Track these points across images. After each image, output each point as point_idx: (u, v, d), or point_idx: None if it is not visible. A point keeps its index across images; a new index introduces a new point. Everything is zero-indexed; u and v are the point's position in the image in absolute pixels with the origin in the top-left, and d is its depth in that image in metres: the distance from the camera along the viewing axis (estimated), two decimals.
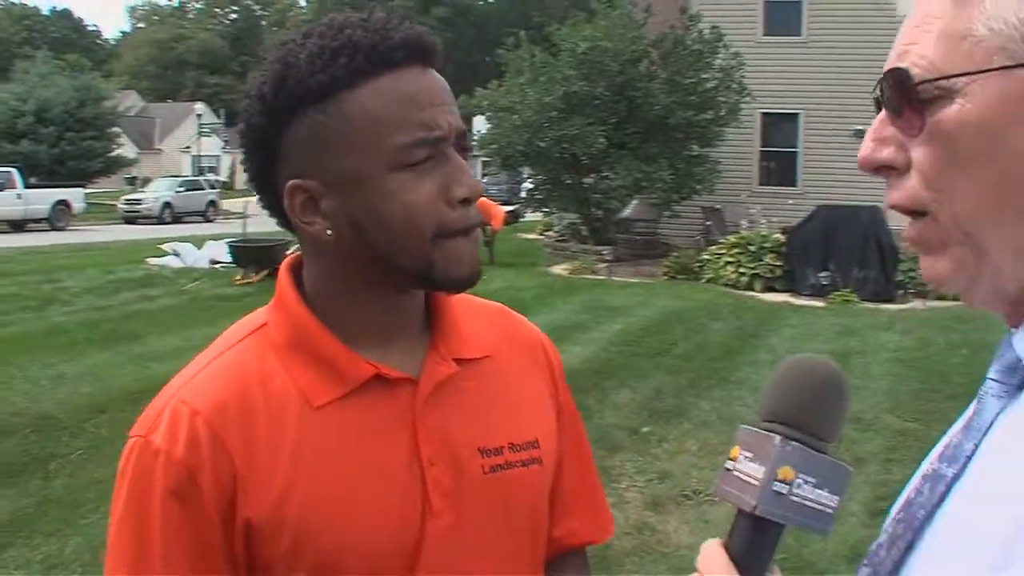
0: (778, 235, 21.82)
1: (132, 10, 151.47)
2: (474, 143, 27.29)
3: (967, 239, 1.01)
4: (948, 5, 1.00)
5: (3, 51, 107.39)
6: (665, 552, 6.87)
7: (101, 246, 32.72)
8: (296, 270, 1.67)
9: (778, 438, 1.08)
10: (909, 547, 1.06)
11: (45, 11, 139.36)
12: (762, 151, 30.71)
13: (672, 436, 9.64)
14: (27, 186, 43.34)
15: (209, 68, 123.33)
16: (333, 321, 1.59)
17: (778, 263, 21.20)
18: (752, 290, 20.81)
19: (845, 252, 20.25)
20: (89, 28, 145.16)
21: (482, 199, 1.69)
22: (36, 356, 13.75)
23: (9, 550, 7.07)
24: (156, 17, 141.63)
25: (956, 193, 1.00)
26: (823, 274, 20.30)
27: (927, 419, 9.81)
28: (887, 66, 1.05)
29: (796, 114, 30.11)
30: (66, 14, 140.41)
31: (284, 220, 1.60)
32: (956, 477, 1.05)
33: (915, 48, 1.03)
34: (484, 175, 52.97)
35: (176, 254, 25.58)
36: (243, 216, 28.26)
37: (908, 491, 1.12)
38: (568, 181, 27.17)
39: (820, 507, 1.08)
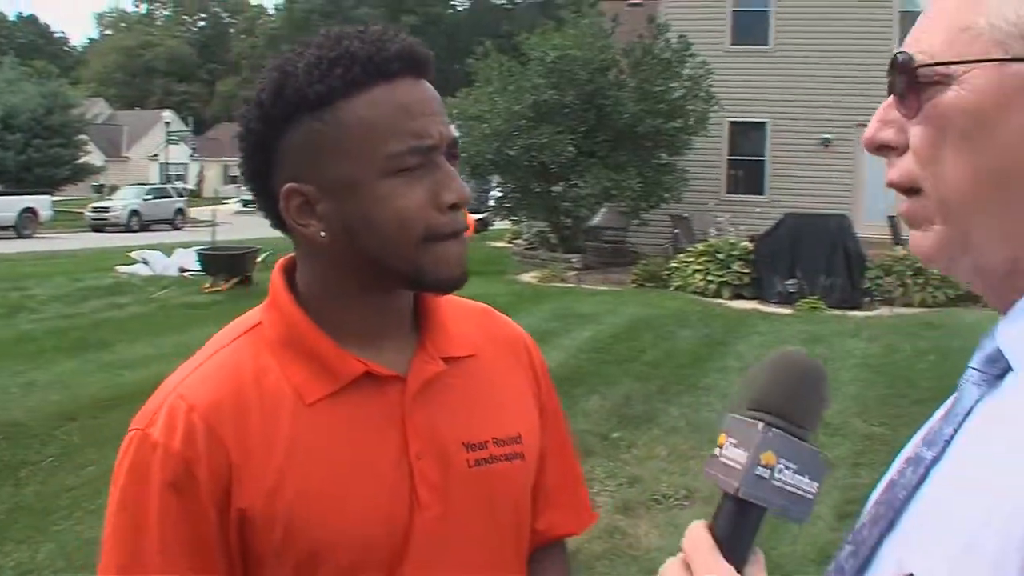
0: (746, 243, 21.87)
1: (100, 17, 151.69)
2: None
3: (952, 218, 1.08)
4: (959, 1, 1.08)
5: None
6: (636, 555, 6.93)
7: (68, 254, 32.54)
8: (289, 271, 1.73)
9: (761, 425, 1.13)
10: (890, 526, 1.12)
11: (11, 17, 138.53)
12: (730, 159, 30.80)
13: (641, 442, 9.70)
14: None
15: (177, 75, 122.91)
16: (325, 321, 1.65)
17: (746, 271, 21.25)
18: (720, 297, 20.85)
19: (812, 260, 20.34)
20: (56, 35, 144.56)
21: None
22: (5, 364, 13.68)
23: None
24: (124, 24, 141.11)
25: (945, 173, 1.07)
26: (790, 282, 20.38)
27: (894, 423, 9.90)
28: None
29: (763, 123, 30.22)
30: (33, 20, 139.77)
31: (279, 222, 1.65)
32: (935, 460, 1.10)
33: (923, 37, 1.11)
34: None
35: (145, 262, 25.51)
36: (212, 224, 28.23)
37: (891, 473, 1.18)
38: (537, 189, 27.18)
39: (800, 492, 1.13)
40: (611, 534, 7.19)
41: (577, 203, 26.48)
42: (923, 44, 1.11)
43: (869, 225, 26.44)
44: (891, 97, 1.14)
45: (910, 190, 1.13)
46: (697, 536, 1.15)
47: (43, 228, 44.44)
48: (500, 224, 32.17)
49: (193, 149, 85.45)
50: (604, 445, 9.34)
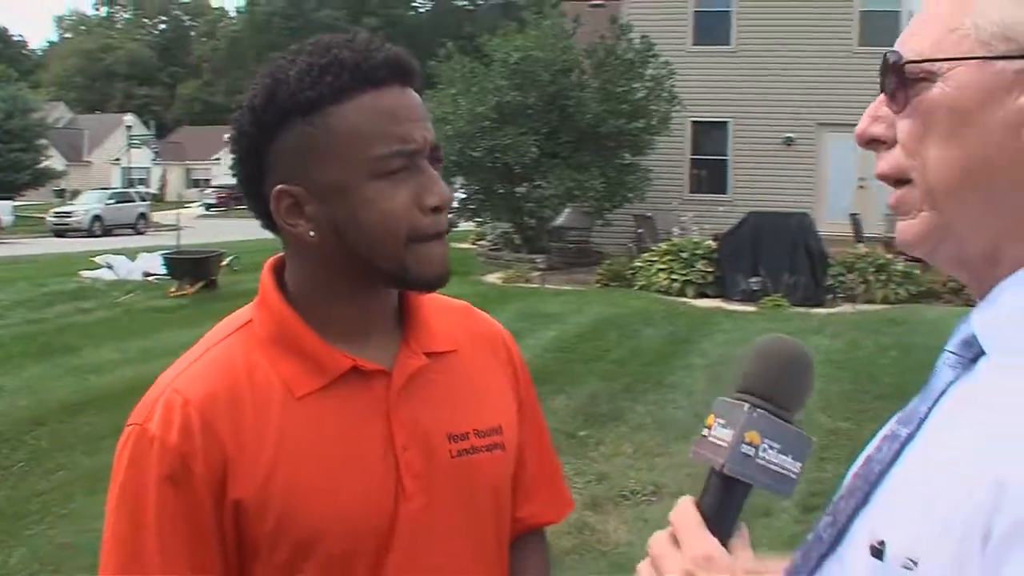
0: (709, 242, 21.89)
1: (59, 20, 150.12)
2: None
3: (936, 207, 1.16)
4: (946, 5, 1.16)
5: None
6: (604, 550, 7.02)
7: (31, 259, 32.38)
8: (278, 271, 1.80)
9: (747, 406, 1.21)
10: (865, 499, 1.19)
11: None
12: (693, 159, 30.85)
13: (608, 439, 9.80)
14: None
15: (138, 79, 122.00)
16: (313, 318, 1.72)
17: (710, 269, 21.28)
18: (684, 296, 20.88)
19: (775, 258, 20.42)
20: (15, 38, 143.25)
21: None
22: None
23: None
24: (83, 27, 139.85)
25: (930, 164, 1.15)
26: (754, 280, 20.45)
27: (858, 418, 10.01)
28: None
29: (726, 122, 30.29)
30: None
31: (269, 222, 1.73)
32: (910, 437, 1.18)
33: (914, 37, 1.19)
34: None
35: (109, 266, 25.38)
36: (176, 228, 28.15)
37: (869, 449, 1.25)
38: (501, 190, 27.17)
39: (784, 471, 1.21)
40: (580, 530, 7.26)
41: (541, 204, 26.52)
42: (913, 44, 1.18)
43: (831, 223, 26.58)
44: (881, 94, 1.22)
45: (899, 181, 1.20)
46: (685, 511, 1.22)
47: (4, 233, 44.28)
48: (464, 225, 32.12)
49: (155, 153, 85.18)
50: (572, 443, 9.41)
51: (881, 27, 27.78)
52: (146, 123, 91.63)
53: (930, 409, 1.18)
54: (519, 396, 1.98)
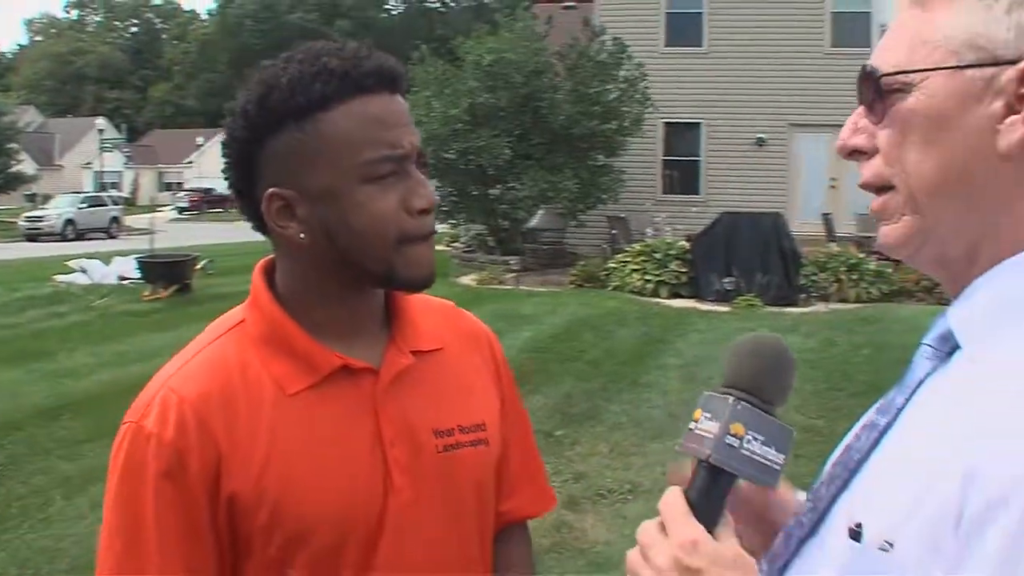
0: (683, 242, 21.92)
1: (29, 23, 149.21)
2: None
3: (918, 211, 1.23)
4: (918, 18, 1.23)
5: None
6: (583, 548, 7.08)
7: (3, 264, 32.15)
8: (269, 272, 1.85)
9: (731, 399, 1.26)
10: (844, 486, 1.26)
11: None
12: (665, 160, 30.91)
13: (585, 439, 9.86)
14: None
15: (109, 82, 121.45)
16: (303, 317, 1.78)
17: (683, 270, 21.30)
18: (658, 297, 20.91)
19: (748, 258, 20.46)
20: None
21: None
22: None
23: None
24: (54, 30, 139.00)
25: (910, 170, 1.22)
26: (727, 280, 20.49)
27: (832, 416, 10.08)
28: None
29: (698, 123, 30.37)
30: None
31: (261, 225, 1.78)
32: (888, 426, 1.25)
33: (888, 50, 1.26)
34: None
35: (83, 271, 25.33)
36: (150, 232, 28.07)
37: (849, 438, 1.32)
38: (475, 192, 27.17)
39: (767, 462, 1.26)
40: (558, 528, 7.32)
41: (514, 205, 26.56)
42: (887, 56, 1.25)
43: (803, 223, 26.71)
44: (860, 106, 1.28)
45: (881, 188, 1.26)
46: (672, 500, 1.27)
47: None
48: (438, 227, 32.07)
49: (127, 156, 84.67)
50: (548, 443, 9.46)
51: (852, 28, 28.00)
52: (118, 126, 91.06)
53: (907, 400, 1.24)
54: (502, 393, 2.04)
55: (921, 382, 1.25)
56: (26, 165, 71.57)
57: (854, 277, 20.35)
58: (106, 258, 26.92)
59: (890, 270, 19.89)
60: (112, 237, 49.65)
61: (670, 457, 8.74)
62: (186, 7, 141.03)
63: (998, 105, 1.16)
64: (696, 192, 30.28)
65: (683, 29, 30.35)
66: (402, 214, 1.71)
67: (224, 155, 1.80)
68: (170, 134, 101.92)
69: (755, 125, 29.55)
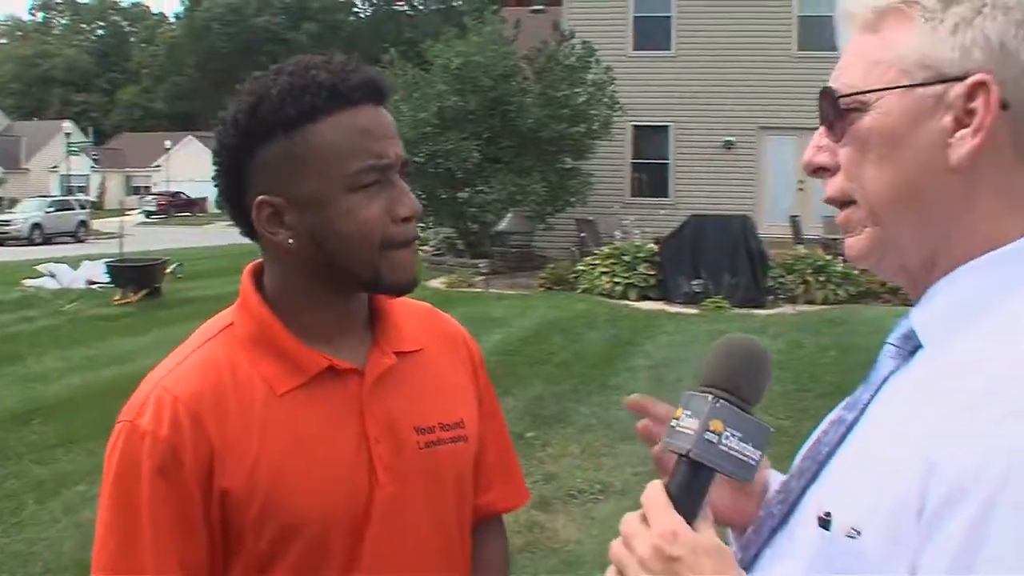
0: (651, 245, 21.97)
1: None
2: None
3: (878, 223, 1.30)
4: (870, 41, 1.31)
5: None
6: (555, 548, 7.15)
7: None
8: (257, 276, 1.93)
9: (711, 397, 1.32)
10: (814, 478, 1.34)
11: None
12: (633, 163, 31.05)
13: (555, 440, 9.93)
14: None
15: (76, 85, 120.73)
16: (291, 320, 1.86)
17: (652, 272, 21.35)
18: (627, 299, 20.95)
19: (717, 260, 20.52)
20: None
21: None
22: None
23: None
24: (19, 32, 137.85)
25: (868, 185, 1.30)
26: (696, 282, 20.53)
27: (799, 417, 10.13)
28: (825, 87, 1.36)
29: (666, 126, 30.51)
30: None
31: (249, 230, 1.86)
32: (855, 422, 1.32)
33: (844, 72, 1.34)
34: None
35: (52, 275, 25.22)
36: (119, 236, 27.97)
37: (818, 432, 1.40)
38: (444, 196, 27.16)
39: (744, 458, 1.31)
40: (530, 528, 7.39)
41: (483, 209, 26.61)
42: (844, 78, 1.33)
43: (771, 225, 26.86)
44: (822, 126, 1.36)
45: (844, 203, 1.34)
46: (654, 493, 1.33)
47: None
48: None
49: (94, 160, 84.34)
50: (519, 444, 9.48)
51: (819, 32, 28.07)
52: (84, 130, 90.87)
53: (872, 396, 1.32)
54: (479, 391, 2.13)
55: (885, 379, 1.32)
56: None
57: (821, 279, 20.47)
58: (74, 262, 26.85)
59: (856, 272, 19.95)
60: (80, 241, 49.48)
61: (640, 458, 8.83)
62: (154, 10, 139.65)
63: (948, 120, 1.23)
64: (665, 195, 30.40)
65: (651, 33, 30.48)
66: (386, 221, 1.79)
67: (215, 163, 1.87)
68: (138, 137, 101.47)
69: (723, 128, 29.69)
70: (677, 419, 1.35)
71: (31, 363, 14.78)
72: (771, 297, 20.59)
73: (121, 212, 48.60)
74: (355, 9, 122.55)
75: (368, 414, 1.86)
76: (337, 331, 1.89)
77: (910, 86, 1.25)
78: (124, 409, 1.82)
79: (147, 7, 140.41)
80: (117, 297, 21.44)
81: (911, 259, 1.31)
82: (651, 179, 30.83)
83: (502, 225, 27.42)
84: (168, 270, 23.27)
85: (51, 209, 51.94)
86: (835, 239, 21.38)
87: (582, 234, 26.84)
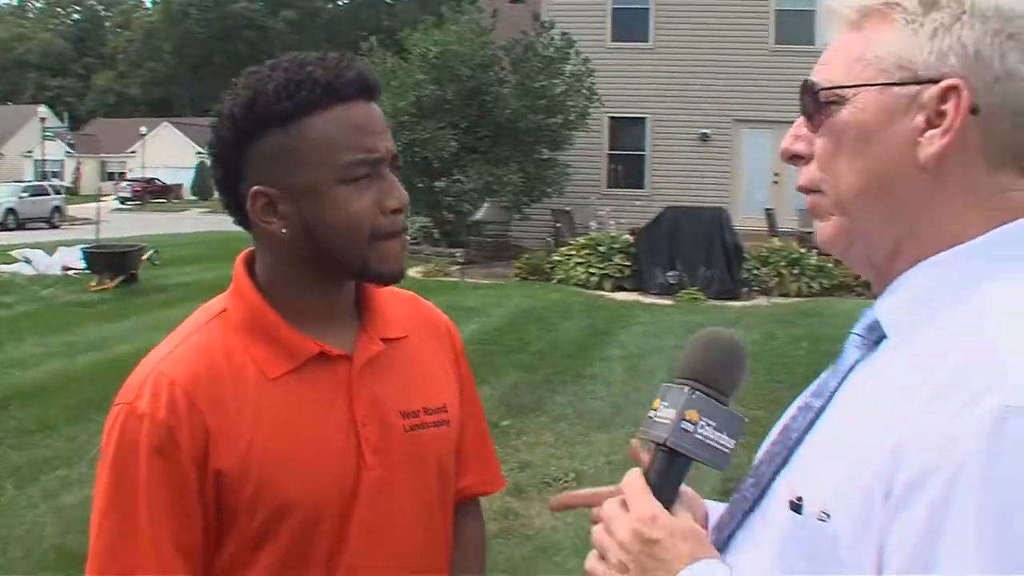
0: (627, 236, 22.05)
1: None
2: None
3: (845, 213, 1.38)
4: (853, 39, 1.38)
5: None
6: (529, 534, 7.24)
7: None
8: (249, 263, 2.00)
9: (687, 388, 1.40)
10: (784, 463, 1.40)
11: None
12: (610, 154, 31.16)
13: (530, 429, 10.01)
14: None
15: (51, 70, 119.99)
16: (282, 307, 1.94)
17: (627, 263, 21.44)
18: (602, 289, 21.01)
19: (692, 252, 20.62)
20: None
21: None
22: None
23: None
24: None
25: (839, 175, 1.37)
26: (671, 273, 20.60)
27: (771, 407, 10.16)
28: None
29: (643, 118, 30.61)
30: None
31: (243, 219, 1.94)
32: (823, 408, 1.39)
33: (825, 67, 1.41)
34: None
35: (27, 261, 25.14)
36: (95, 222, 27.89)
37: (785, 418, 1.47)
38: (420, 185, 27.09)
39: (719, 447, 1.40)
40: (505, 515, 7.47)
41: (460, 198, 26.66)
42: (825, 72, 1.40)
43: (746, 218, 26.98)
44: (801, 116, 1.44)
45: (813, 190, 1.42)
46: (633, 480, 1.42)
47: None
48: None
49: (69, 145, 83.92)
50: (495, 433, 9.37)
51: (796, 25, 28.28)
52: (59, 115, 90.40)
53: (840, 384, 1.38)
54: (460, 378, 2.21)
55: (852, 368, 1.38)
56: None
57: (795, 271, 20.60)
58: (50, 248, 26.76)
59: (830, 265, 20.05)
60: (54, 227, 49.26)
61: (614, 447, 8.92)
62: None
63: (920, 119, 1.30)
64: (641, 186, 30.50)
65: (629, 25, 30.54)
66: (376, 213, 1.86)
67: (210, 154, 1.94)
68: (113, 123, 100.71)
69: (700, 120, 29.78)
70: (655, 410, 1.42)
71: (8, 349, 14.77)
72: (745, 289, 20.70)
73: (96, 198, 48.24)
74: None
75: (356, 398, 1.93)
76: (327, 318, 1.96)
77: (887, 84, 1.32)
78: (121, 392, 1.88)
79: None
80: (94, 283, 21.38)
81: (877, 251, 1.37)
82: (627, 170, 30.91)
83: (478, 215, 27.44)
84: (144, 257, 23.21)
85: (25, 194, 51.64)
86: (810, 232, 21.36)
87: (558, 224, 26.85)
